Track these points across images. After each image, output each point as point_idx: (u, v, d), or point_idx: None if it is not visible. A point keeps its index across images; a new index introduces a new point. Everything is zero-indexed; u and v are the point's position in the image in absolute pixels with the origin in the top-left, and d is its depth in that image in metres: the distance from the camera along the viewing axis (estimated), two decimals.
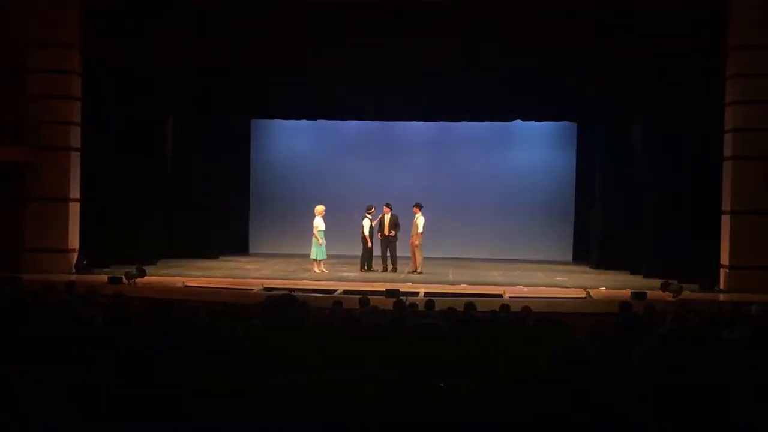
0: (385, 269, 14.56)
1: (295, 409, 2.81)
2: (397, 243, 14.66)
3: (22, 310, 5.78)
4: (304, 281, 12.71)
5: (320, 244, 14.04)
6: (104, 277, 11.75)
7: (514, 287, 12.27)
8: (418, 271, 14.28)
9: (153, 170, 15.26)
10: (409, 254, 14.65)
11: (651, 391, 3.22)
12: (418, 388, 2.85)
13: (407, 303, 8.07)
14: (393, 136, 18.31)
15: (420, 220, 14.53)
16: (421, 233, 14.46)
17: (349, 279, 13.28)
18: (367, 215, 14.70)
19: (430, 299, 8.43)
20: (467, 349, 4.43)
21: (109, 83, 13.89)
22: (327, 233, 14.23)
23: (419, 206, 14.63)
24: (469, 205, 17.92)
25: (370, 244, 14.51)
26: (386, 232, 14.61)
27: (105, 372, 3.27)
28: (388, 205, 14.76)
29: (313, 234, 14.15)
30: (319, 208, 14.32)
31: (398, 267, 14.56)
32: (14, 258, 12.87)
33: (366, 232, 14.55)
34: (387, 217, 14.67)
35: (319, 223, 14.16)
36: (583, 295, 11.46)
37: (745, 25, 12.17)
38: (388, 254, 14.69)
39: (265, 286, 11.93)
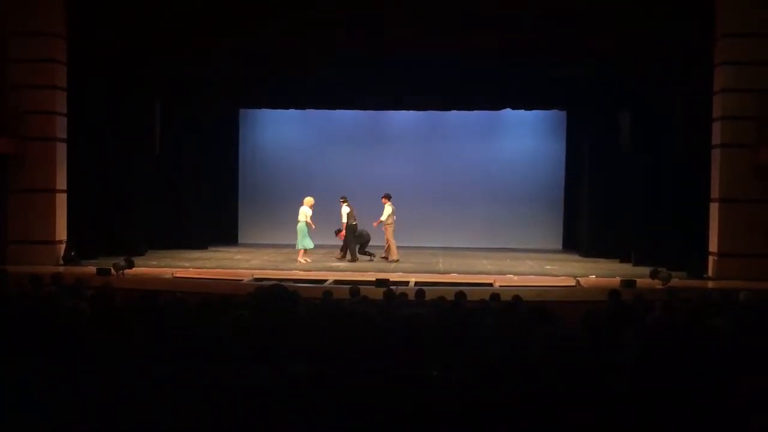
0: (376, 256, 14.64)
1: (287, 401, 2.79)
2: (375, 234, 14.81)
3: (8, 303, 5.72)
4: (294, 271, 12.68)
5: (312, 227, 14.14)
6: (92, 269, 11.66)
7: (504, 276, 12.29)
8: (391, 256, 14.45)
9: (141, 161, 15.14)
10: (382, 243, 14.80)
11: (641, 379, 3.22)
12: (409, 377, 2.84)
13: (397, 293, 8.06)
14: (382, 125, 18.26)
15: (387, 210, 14.63)
16: (390, 223, 14.64)
17: (339, 269, 13.26)
18: (344, 204, 14.78)
19: (420, 289, 8.42)
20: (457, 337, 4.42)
21: (95, 72, 13.73)
22: (316, 224, 14.35)
23: (388, 197, 14.73)
24: (459, 194, 17.91)
25: (343, 233, 14.60)
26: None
27: (93, 364, 3.23)
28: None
29: (306, 223, 14.23)
30: (309, 200, 14.46)
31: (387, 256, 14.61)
32: (0, 250, 12.74)
33: (345, 220, 14.61)
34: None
35: (307, 213, 14.30)
36: (573, 284, 11.49)
37: (733, 13, 12.17)
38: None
39: (255, 276, 11.89)
